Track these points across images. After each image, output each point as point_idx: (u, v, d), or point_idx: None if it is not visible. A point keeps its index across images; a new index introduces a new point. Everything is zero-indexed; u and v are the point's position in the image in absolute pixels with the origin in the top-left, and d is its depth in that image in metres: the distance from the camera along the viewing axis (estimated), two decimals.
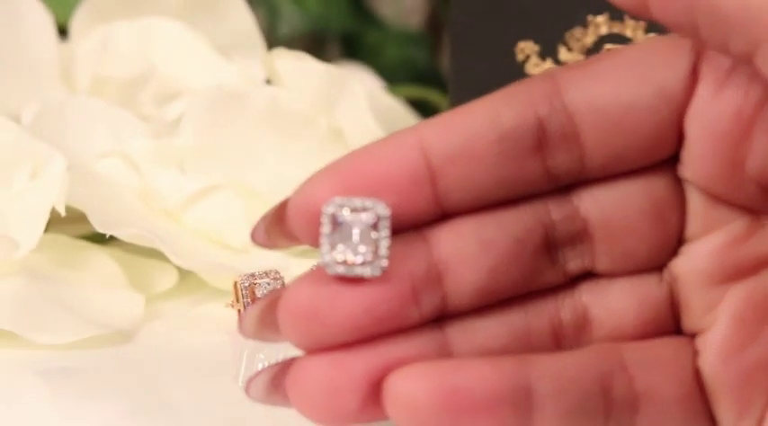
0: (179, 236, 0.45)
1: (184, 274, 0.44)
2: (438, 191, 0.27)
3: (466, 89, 0.47)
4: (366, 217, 0.27)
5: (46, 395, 0.38)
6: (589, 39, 0.46)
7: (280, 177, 0.46)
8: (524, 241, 0.28)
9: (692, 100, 0.28)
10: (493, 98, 0.28)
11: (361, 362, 0.27)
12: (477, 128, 0.27)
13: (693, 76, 0.27)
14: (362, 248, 0.26)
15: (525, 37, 0.46)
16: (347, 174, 0.27)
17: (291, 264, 0.43)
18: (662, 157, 0.28)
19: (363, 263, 0.26)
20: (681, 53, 0.28)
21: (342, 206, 0.27)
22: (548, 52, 0.46)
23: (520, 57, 0.46)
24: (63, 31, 0.52)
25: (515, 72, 0.46)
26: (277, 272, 0.41)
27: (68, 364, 0.39)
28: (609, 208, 0.29)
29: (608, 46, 0.46)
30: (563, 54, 0.46)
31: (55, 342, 0.39)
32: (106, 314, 0.41)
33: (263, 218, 0.29)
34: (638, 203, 0.28)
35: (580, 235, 0.29)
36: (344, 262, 0.26)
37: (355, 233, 0.26)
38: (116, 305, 0.42)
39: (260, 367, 0.34)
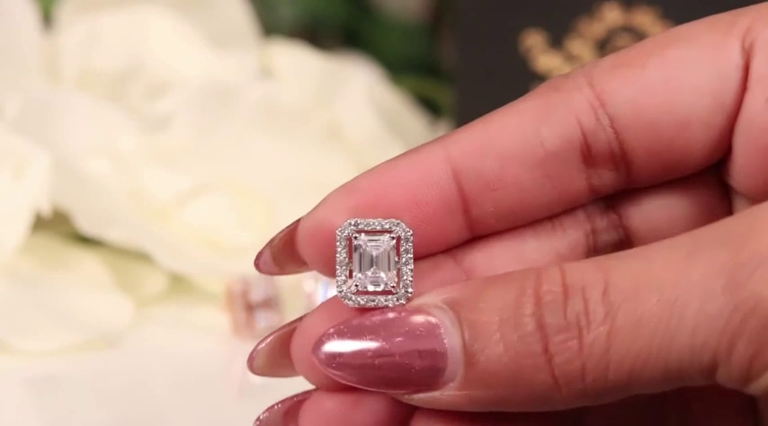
0: (169, 238, 0.44)
1: (174, 277, 0.44)
2: (471, 218, 0.25)
3: (472, 79, 0.47)
4: (386, 241, 0.24)
5: (31, 403, 0.37)
6: (598, 29, 0.46)
7: (274, 175, 0.46)
8: (567, 257, 0.26)
9: (740, 110, 0.25)
10: (527, 110, 0.25)
11: (383, 403, 0.24)
12: (517, 149, 0.25)
13: (743, 83, 0.25)
14: (384, 275, 0.24)
15: (532, 26, 0.46)
16: (367, 197, 0.24)
17: None
18: (711, 164, 0.26)
19: (386, 292, 0.24)
20: (730, 56, 0.25)
21: (358, 228, 0.24)
22: (555, 42, 0.46)
23: (526, 46, 0.46)
24: (47, 22, 0.51)
25: (522, 62, 0.46)
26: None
27: (54, 370, 0.38)
28: (653, 217, 0.26)
29: (619, 37, 0.46)
30: (572, 44, 0.46)
31: (40, 348, 0.38)
32: (93, 318, 0.40)
33: (270, 244, 0.26)
34: (684, 211, 0.26)
35: (623, 245, 0.27)
36: (364, 292, 0.24)
37: (375, 258, 0.24)
38: (103, 309, 0.41)
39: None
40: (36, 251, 0.42)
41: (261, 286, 0.40)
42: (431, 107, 0.59)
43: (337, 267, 0.24)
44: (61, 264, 0.43)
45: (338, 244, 0.24)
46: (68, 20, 0.50)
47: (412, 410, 0.24)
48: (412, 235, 0.24)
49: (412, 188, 0.25)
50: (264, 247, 0.26)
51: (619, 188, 0.26)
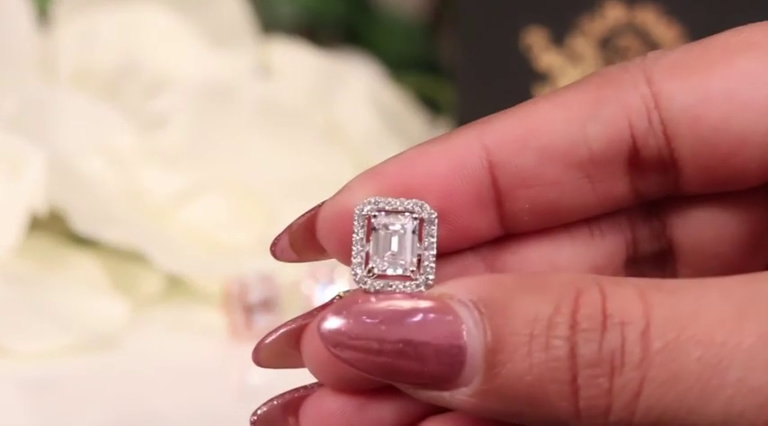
0: (166, 238, 0.44)
1: (171, 278, 0.44)
2: (503, 212, 0.24)
3: (473, 77, 0.46)
4: (408, 222, 0.22)
5: (26, 405, 0.37)
6: (600, 26, 0.45)
7: (273, 174, 0.45)
8: (604, 267, 0.25)
9: None
10: (575, 103, 0.23)
11: (389, 409, 0.23)
12: (558, 146, 0.23)
13: None
14: (403, 259, 0.22)
15: (534, 23, 0.46)
16: (393, 183, 0.23)
17: (284, 266, 0.42)
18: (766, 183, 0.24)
19: (404, 278, 0.22)
20: None
21: (378, 207, 0.22)
22: (557, 40, 0.46)
23: (527, 44, 0.46)
24: (43, 20, 0.51)
25: (523, 60, 0.46)
26: (268, 276, 0.40)
27: (49, 372, 0.38)
28: (699, 231, 0.25)
29: (622, 35, 0.45)
30: (574, 42, 0.46)
31: (35, 350, 0.38)
32: (88, 319, 0.40)
33: (288, 230, 0.24)
34: (732, 229, 0.25)
35: (665, 256, 0.25)
36: (382, 276, 0.22)
37: (394, 240, 0.22)
38: (99, 310, 0.41)
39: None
40: (31, 251, 0.42)
41: (259, 287, 0.39)
42: (431, 105, 0.59)
43: (354, 248, 0.22)
44: (57, 265, 0.42)
45: (356, 223, 0.22)
46: (64, 18, 0.50)
47: (418, 419, 0.23)
48: (436, 217, 0.22)
49: (443, 176, 0.23)
50: (282, 233, 0.24)
51: (665, 194, 0.24)
